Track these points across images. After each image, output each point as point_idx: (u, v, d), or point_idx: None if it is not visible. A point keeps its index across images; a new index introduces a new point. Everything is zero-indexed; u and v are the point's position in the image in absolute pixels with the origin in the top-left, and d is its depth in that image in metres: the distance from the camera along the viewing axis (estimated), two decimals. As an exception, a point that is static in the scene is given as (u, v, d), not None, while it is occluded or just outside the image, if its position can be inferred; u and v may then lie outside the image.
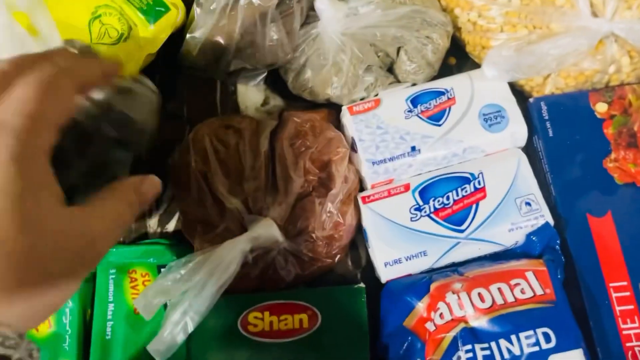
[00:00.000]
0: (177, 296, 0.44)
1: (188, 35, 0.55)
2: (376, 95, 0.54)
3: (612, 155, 0.51)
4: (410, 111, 0.52)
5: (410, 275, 0.49)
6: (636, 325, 0.46)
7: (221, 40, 0.54)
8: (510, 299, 0.44)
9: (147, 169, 0.40)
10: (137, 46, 0.56)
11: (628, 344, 0.46)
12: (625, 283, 0.47)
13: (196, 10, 0.55)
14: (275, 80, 0.59)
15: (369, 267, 0.52)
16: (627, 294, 0.47)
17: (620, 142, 0.51)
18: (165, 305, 0.46)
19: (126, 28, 0.55)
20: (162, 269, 0.46)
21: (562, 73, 0.53)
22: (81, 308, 0.50)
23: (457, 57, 0.60)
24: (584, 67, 0.52)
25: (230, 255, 0.45)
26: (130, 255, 0.51)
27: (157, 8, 0.56)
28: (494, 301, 0.44)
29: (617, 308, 0.47)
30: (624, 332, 0.46)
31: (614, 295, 0.47)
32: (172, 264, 0.45)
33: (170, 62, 0.59)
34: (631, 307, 0.47)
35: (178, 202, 0.50)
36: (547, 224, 0.48)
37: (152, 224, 0.55)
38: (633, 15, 0.51)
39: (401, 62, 0.54)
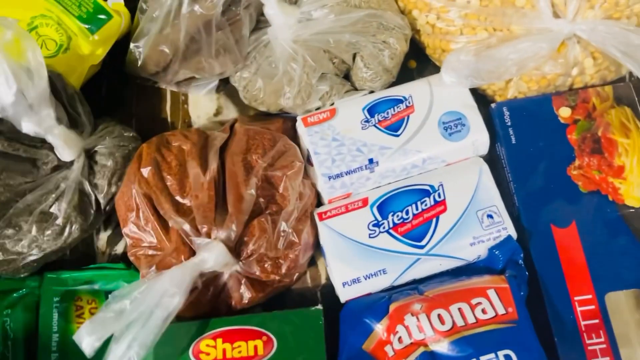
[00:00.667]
0: (122, 328, 0.41)
1: (131, 45, 0.52)
2: (332, 104, 0.52)
3: (577, 162, 0.49)
4: (367, 121, 0.50)
5: (370, 294, 0.47)
6: (602, 339, 0.45)
7: (166, 49, 0.51)
8: (471, 319, 0.43)
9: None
10: (78, 57, 0.52)
11: (594, 360, 0.44)
12: (590, 296, 0.46)
13: (140, 17, 0.52)
14: (230, 89, 0.56)
15: (329, 284, 0.50)
16: (592, 307, 0.45)
17: (584, 148, 0.49)
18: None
19: (65, 39, 0.52)
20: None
21: (524, 77, 0.51)
22: (25, 339, 0.47)
23: (418, 61, 0.58)
24: (545, 70, 0.50)
25: (178, 282, 0.42)
26: (75, 281, 0.48)
27: (98, 16, 0.53)
28: (454, 323, 0.43)
29: (582, 322, 0.45)
30: (590, 348, 0.45)
31: (578, 309, 0.45)
32: (116, 293, 0.43)
33: (118, 70, 0.56)
34: (596, 321, 0.45)
35: (123, 226, 0.47)
36: (509, 237, 0.46)
37: (101, 245, 0.52)
38: (596, 16, 0.49)
39: (357, 69, 0.52)
